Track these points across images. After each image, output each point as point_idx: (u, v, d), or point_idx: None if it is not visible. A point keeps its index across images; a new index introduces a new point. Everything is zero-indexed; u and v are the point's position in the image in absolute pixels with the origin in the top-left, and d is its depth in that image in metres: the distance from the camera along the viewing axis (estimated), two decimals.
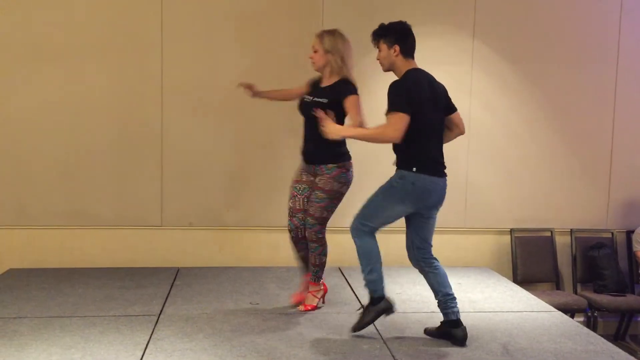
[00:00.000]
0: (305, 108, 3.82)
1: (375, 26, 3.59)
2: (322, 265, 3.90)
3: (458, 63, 5.16)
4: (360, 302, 4.14)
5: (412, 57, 3.55)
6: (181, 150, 4.94)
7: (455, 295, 3.42)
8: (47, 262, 4.84)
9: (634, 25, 5.30)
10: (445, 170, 3.51)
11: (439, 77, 5.14)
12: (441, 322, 3.52)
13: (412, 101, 3.34)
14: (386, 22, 3.58)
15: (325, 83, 3.83)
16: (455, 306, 3.48)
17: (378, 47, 3.54)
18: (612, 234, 5.34)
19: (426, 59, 5.21)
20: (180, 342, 3.35)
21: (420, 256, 3.49)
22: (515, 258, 5.18)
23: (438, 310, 3.97)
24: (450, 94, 5.19)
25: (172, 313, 3.83)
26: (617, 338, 5.15)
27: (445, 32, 5.13)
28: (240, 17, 4.93)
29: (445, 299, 3.46)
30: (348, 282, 4.59)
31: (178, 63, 4.90)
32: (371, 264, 3.44)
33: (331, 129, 3.48)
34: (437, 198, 3.45)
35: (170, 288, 4.35)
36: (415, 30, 5.06)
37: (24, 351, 3.18)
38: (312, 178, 3.88)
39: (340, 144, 3.79)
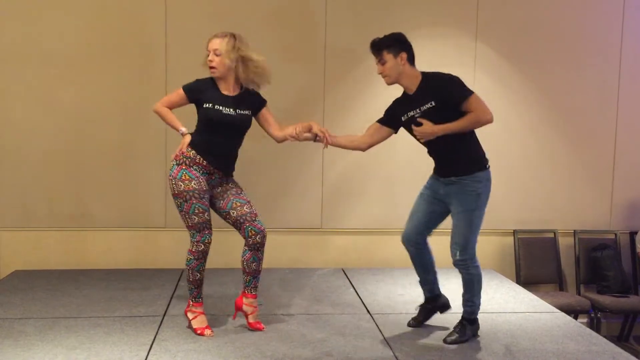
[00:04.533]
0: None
1: (376, 29, 3.55)
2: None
3: (460, 65, 5.15)
4: (363, 303, 4.16)
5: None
6: None
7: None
8: (52, 264, 4.86)
9: (637, 26, 5.30)
10: None
11: None
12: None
13: None
14: (382, 34, 3.47)
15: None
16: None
17: (381, 60, 3.41)
18: (615, 235, 5.34)
19: (429, 61, 5.22)
20: (184, 343, 3.38)
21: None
22: (518, 259, 5.18)
23: None
24: None
25: (177, 314, 3.85)
26: (620, 339, 5.15)
27: (448, 34, 5.14)
28: (245, 22, 4.94)
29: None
30: (351, 284, 4.60)
31: (181, 66, 4.91)
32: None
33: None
34: None
35: (175, 289, 4.37)
36: (417, 33, 5.13)
37: (29, 351, 3.21)
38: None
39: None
